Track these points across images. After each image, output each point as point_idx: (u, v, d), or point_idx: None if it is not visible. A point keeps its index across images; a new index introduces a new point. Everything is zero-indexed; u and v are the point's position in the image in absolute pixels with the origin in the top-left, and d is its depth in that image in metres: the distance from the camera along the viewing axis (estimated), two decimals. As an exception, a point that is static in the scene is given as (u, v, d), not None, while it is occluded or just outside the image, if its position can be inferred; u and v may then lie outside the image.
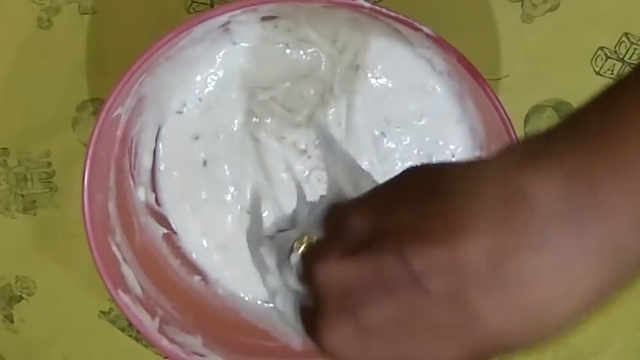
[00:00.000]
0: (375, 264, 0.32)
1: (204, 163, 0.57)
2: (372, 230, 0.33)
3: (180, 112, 0.56)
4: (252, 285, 0.58)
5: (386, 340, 0.32)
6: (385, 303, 0.31)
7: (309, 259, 0.36)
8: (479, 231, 0.29)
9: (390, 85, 0.56)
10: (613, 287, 0.30)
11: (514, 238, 0.29)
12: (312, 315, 0.35)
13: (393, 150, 0.56)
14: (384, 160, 0.56)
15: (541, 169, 0.28)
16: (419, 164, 0.35)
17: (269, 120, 0.56)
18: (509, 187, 0.29)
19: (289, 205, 0.55)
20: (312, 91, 0.55)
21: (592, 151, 0.28)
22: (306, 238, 0.42)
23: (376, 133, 0.56)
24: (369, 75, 0.55)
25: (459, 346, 0.30)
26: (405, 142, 0.56)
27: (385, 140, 0.56)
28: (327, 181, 0.55)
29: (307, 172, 0.56)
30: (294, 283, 0.40)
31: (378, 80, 0.56)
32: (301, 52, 0.55)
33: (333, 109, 0.55)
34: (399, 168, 0.56)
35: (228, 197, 0.57)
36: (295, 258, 0.41)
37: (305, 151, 0.56)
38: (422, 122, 0.56)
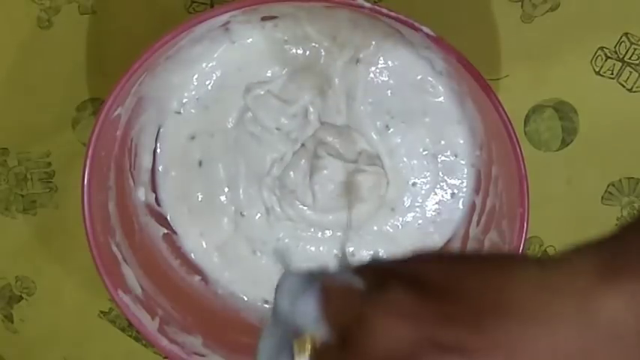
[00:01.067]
0: None
1: (200, 163, 0.57)
2: (420, 342, 0.28)
3: (179, 113, 0.56)
4: (251, 286, 0.58)
5: None
6: None
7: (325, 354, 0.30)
8: (560, 351, 0.27)
9: (391, 81, 0.56)
10: None
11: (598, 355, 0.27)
12: None
13: (399, 145, 0.56)
14: (392, 155, 0.56)
15: (615, 288, 0.27)
16: (451, 254, 0.32)
17: (263, 113, 0.56)
18: (589, 308, 0.27)
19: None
20: (309, 83, 0.55)
21: None
22: (308, 337, 0.32)
23: (379, 124, 0.56)
24: (370, 70, 0.55)
25: None
26: (410, 138, 0.56)
27: (390, 132, 0.56)
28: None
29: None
30: None
31: (379, 77, 0.56)
32: (300, 49, 0.55)
33: (332, 98, 0.55)
34: (403, 165, 0.56)
35: (223, 198, 0.57)
36: None
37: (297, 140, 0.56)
38: (425, 119, 0.56)
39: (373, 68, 0.55)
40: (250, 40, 0.55)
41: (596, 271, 0.27)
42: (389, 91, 0.56)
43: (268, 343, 0.33)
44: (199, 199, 0.57)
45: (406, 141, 0.56)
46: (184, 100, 0.56)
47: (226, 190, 0.57)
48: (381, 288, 0.29)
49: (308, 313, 0.31)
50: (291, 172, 0.56)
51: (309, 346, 0.31)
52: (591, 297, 0.27)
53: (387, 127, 0.56)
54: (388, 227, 0.58)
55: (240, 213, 0.57)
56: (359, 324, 0.29)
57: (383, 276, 0.30)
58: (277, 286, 0.33)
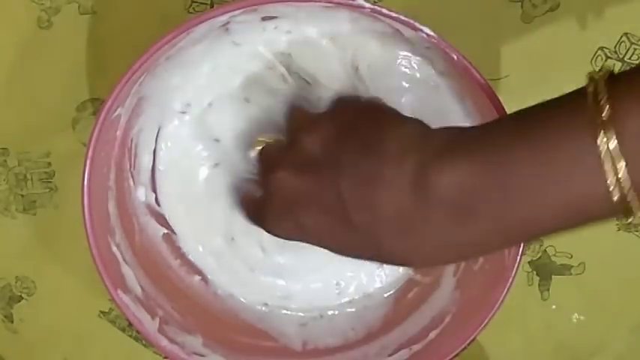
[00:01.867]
0: (317, 185, 0.42)
1: (202, 165, 0.57)
2: (321, 155, 0.42)
3: (184, 113, 0.56)
4: (248, 289, 0.58)
5: (311, 235, 0.44)
6: (319, 215, 0.42)
7: (266, 161, 0.49)
8: (397, 191, 0.39)
9: (392, 79, 0.56)
10: (478, 254, 0.45)
11: (415, 206, 0.39)
12: (257, 203, 0.48)
13: None
14: None
15: (446, 168, 0.38)
16: (378, 103, 0.48)
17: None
18: (422, 174, 0.38)
19: None
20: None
21: (480, 169, 0.37)
22: (266, 136, 0.51)
23: None
24: (369, 69, 0.56)
25: (362, 254, 0.42)
26: None
27: None
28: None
29: None
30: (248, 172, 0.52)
31: (379, 75, 0.56)
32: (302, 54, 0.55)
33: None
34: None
35: (219, 213, 0.57)
36: (253, 153, 0.52)
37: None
38: (426, 119, 0.56)
39: (373, 67, 0.55)
40: (253, 45, 0.55)
41: (443, 147, 0.39)
42: (389, 87, 0.56)
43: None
44: (196, 199, 0.57)
45: None
46: (189, 101, 0.56)
47: (225, 190, 0.57)
48: (321, 118, 0.46)
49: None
50: None
51: (261, 139, 0.52)
52: (429, 165, 0.38)
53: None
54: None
55: (232, 238, 0.57)
56: (297, 137, 0.44)
57: (330, 110, 0.48)
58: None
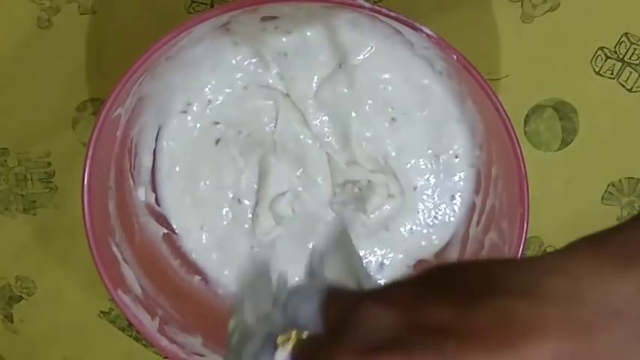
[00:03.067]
0: None
1: (202, 163, 0.57)
2: (403, 327, 0.27)
3: (184, 112, 0.56)
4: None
5: None
6: None
7: (307, 356, 0.30)
8: (549, 335, 0.26)
9: (392, 81, 0.56)
10: None
11: (590, 345, 0.26)
12: None
13: (406, 140, 0.56)
14: (400, 152, 0.56)
15: (618, 274, 0.27)
16: (447, 263, 0.30)
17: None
18: (585, 291, 0.26)
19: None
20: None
21: None
22: (294, 332, 0.33)
23: (385, 116, 0.56)
24: (368, 68, 0.56)
25: None
26: (416, 134, 0.56)
27: (397, 125, 0.56)
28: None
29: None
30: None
31: (377, 74, 0.56)
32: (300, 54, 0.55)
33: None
34: (410, 166, 0.56)
35: (225, 189, 0.58)
36: (282, 356, 0.33)
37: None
38: (426, 118, 0.56)
39: (372, 66, 0.55)
40: (252, 44, 0.55)
41: (589, 261, 0.27)
42: (389, 87, 0.56)
43: (253, 340, 0.34)
44: (204, 191, 0.57)
45: (413, 136, 0.56)
46: (187, 100, 0.56)
47: (240, 179, 0.57)
48: (377, 291, 0.30)
49: (307, 313, 0.32)
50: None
51: (292, 338, 0.33)
52: (588, 286, 0.27)
53: (394, 120, 0.56)
54: (385, 230, 0.58)
55: (238, 200, 0.57)
56: (350, 316, 0.29)
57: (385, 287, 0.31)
58: (290, 290, 0.34)
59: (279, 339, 0.34)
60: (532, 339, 0.25)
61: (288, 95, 0.56)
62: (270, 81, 0.56)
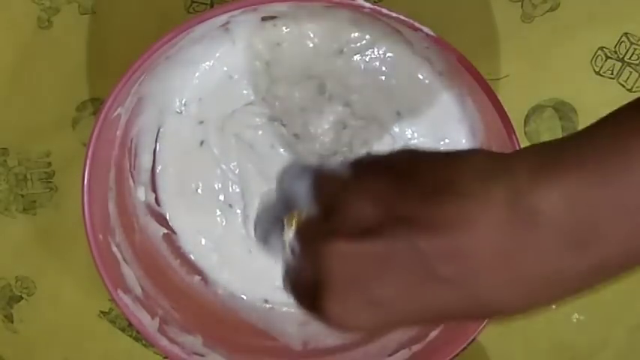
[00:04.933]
0: (387, 248, 0.35)
1: (200, 162, 0.57)
2: (383, 216, 0.35)
3: (179, 112, 0.56)
4: (249, 286, 0.58)
5: (390, 308, 0.36)
6: (397, 280, 0.35)
7: (309, 236, 0.38)
8: (489, 228, 0.33)
9: (392, 80, 0.56)
10: (591, 284, 0.35)
11: (517, 238, 0.33)
12: (309, 287, 0.37)
13: (410, 140, 0.56)
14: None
15: (549, 185, 0.32)
16: (421, 150, 0.38)
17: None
18: (518, 198, 0.33)
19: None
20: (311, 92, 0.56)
21: (593, 179, 0.32)
22: (296, 213, 0.41)
23: (390, 109, 0.56)
24: (368, 67, 0.56)
25: (452, 310, 0.35)
26: (419, 132, 0.56)
27: (401, 122, 0.56)
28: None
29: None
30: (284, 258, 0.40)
31: (378, 73, 0.56)
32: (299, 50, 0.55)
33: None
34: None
35: (218, 194, 0.57)
36: (289, 235, 0.41)
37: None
38: (428, 117, 0.56)
39: (371, 66, 0.55)
40: (249, 41, 0.55)
41: (533, 165, 0.33)
42: (393, 81, 0.56)
43: (264, 218, 0.43)
44: (197, 194, 0.57)
45: (417, 134, 0.56)
46: (184, 100, 0.56)
47: (220, 185, 0.57)
48: (361, 174, 0.37)
49: (301, 193, 0.39)
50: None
51: (296, 219, 0.41)
52: (522, 188, 0.33)
53: (399, 113, 0.56)
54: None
55: (229, 205, 0.57)
56: (338, 202, 0.37)
57: (365, 166, 0.38)
58: (281, 171, 0.41)
59: (287, 220, 0.42)
60: (475, 228, 0.33)
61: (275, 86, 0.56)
62: (259, 70, 0.56)
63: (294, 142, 0.56)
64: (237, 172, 0.57)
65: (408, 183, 0.36)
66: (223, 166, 0.57)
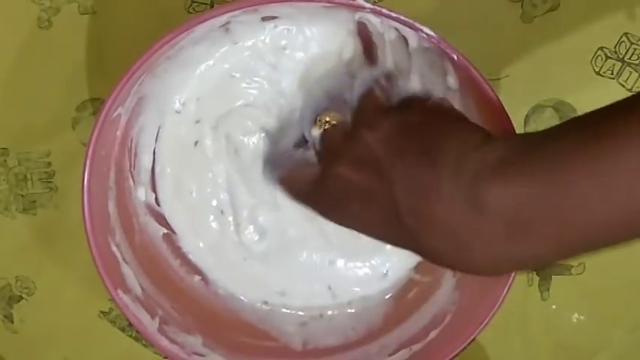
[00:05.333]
0: (373, 184, 0.43)
1: (197, 162, 0.57)
2: (381, 155, 0.43)
3: (178, 112, 0.56)
4: (248, 289, 0.58)
5: (361, 225, 0.45)
6: (371, 211, 0.43)
7: (329, 146, 0.48)
8: (446, 204, 0.39)
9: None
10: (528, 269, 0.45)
11: (467, 217, 0.38)
12: (307, 184, 0.48)
13: None
14: None
15: (504, 183, 0.38)
16: (431, 100, 0.47)
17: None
18: (477, 187, 0.38)
19: None
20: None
21: (539, 180, 0.37)
22: (328, 116, 0.49)
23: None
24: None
25: (407, 247, 0.43)
26: None
27: None
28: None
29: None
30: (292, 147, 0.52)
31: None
32: (299, 55, 0.55)
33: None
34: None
35: (214, 200, 0.57)
36: (316, 132, 0.49)
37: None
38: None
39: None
40: (249, 42, 0.55)
41: (501, 159, 0.38)
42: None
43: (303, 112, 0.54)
44: (192, 196, 0.57)
45: None
46: (184, 99, 0.56)
47: (217, 189, 0.57)
48: (376, 116, 0.45)
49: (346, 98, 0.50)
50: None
51: (327, 120, 0.49)
52: (484, 177, 0.38)
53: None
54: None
55: (221, 211, 0.57)
56: (363, 130, 0.44)
57: (404, 104, 0.47)
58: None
59: (318, 118, 0.49)
60: (436, 203, 0.40)
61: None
62: (262, 72, 0.56)
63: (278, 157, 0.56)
64: (224, 178, 0.57)
65: (413, 136, 0.43)
66: (214, 170, 0.57)
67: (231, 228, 0.57)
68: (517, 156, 0.38)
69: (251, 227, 0.57)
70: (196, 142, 0.57)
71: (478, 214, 0.38)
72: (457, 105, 0.55)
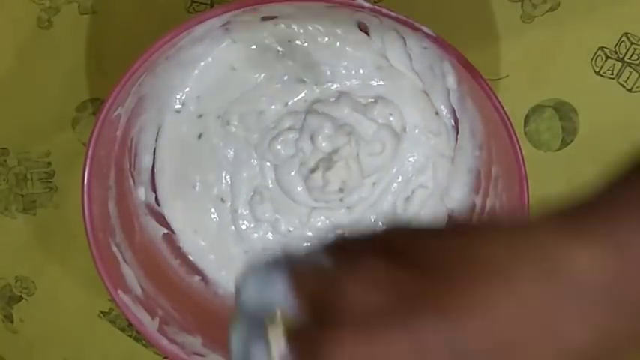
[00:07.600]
0: (412, 343, 0.28)
1: (197, 161, 0.57)
2: (396, 303, 0.29)
3: (178, 111, 0.56)
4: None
5: None
6: None
7: (307, 348, 0.29)
8: (530, 300, 0.29)
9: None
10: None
11: (559, 303, 0.29)
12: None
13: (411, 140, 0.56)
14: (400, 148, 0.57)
15: (582, 247, 0.29)
16: (417, 226, 0.32)
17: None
18: (555, 265, 0.29)
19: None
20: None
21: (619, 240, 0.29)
22: (279, 316, 0.31)
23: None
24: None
25: None
26: (419, 129, 0.56)
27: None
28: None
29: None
30: None
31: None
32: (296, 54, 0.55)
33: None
34: (413, 161, 0.56)
35: (214, 189, 0.58)
36: (278, 343, 0.30)
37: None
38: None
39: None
40: (247, 42, 0.55)
41: (559, 229, 0.30)
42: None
43: (237, 339, 0.33)
44: (193, 191, 0.57)
45: (417, 130, 0.56)
46: (184, 98, 0.56)
47: (215, 178, 0.57)
48: (351, 261, 0.30)
49: (277, 292, 0.30)
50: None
51: (280, 325, 0.30)
52: (554, 252, 0.29)
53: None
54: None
55: (221, 199, 0.57)
56: (333, 296, 0.29)
57: (352, 251, 0.31)
58: (240, 279, 0.33)
59: (268, 322, 0.31)
60: (509, 306, 0.28)
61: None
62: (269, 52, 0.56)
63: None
64: (231, 158, 0.57)
65: (415, 264, 0.29)
66: (220, 154, 0.57)
67: (229, 218, 0.57)
68: (578, 220, 0.31)
69: (247, 212, 0.57)
70: (200, 135, 0.57)
71: (571, 290, 0.29)
72: (457, 106, 0.55)
